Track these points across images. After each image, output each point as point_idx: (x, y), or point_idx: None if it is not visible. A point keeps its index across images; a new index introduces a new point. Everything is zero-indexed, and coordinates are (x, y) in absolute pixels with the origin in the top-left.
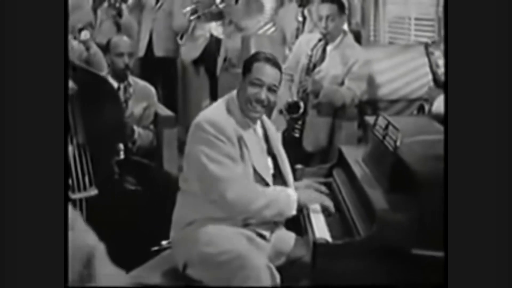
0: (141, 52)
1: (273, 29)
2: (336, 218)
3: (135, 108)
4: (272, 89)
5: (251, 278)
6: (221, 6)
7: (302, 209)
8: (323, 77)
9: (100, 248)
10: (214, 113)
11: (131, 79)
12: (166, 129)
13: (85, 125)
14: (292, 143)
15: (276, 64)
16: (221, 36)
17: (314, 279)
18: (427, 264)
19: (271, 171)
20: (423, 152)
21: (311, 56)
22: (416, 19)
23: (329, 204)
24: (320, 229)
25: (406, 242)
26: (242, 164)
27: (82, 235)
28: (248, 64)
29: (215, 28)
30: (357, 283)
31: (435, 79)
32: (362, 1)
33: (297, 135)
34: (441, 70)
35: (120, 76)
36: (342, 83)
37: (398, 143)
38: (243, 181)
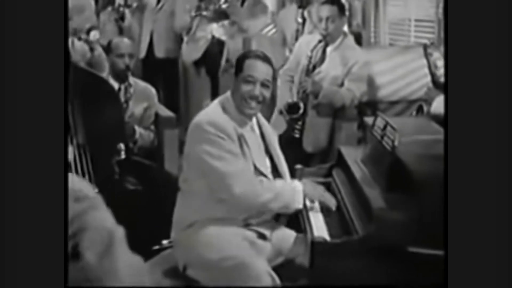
0: (142, 54)
1: (273, 30)
2: (335, 217)
3: (135, 108)
4: (265, 85)
5: (252, 283)
6: (224, 6)
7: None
8: (323, 78)
9: (119, 232)
10: (211, 113)
11: (132, 80)
12: (166, 130)
13: (85, 126)
14: (292, 144)
15: (267, 60)
16: (222, 38)
17: (312, 278)
18: (424, 262)
19: (269, 170)
20: (421, 152)
21: (311, 57)
22: (416, 20)
23: (332, 201)
24: (319, 228)
25: (403, 240)
26: (244, 160)
27: (102, 217)
28: (240, 62)
29: (216, 30)
30: (355, 282)
31: (434, 80)
32: (362, 3)
33: (297, 135)
34: (439, 71)
35: (121, 77)
36: (342, 84)
37: (396, 143)
38: (248, 176)
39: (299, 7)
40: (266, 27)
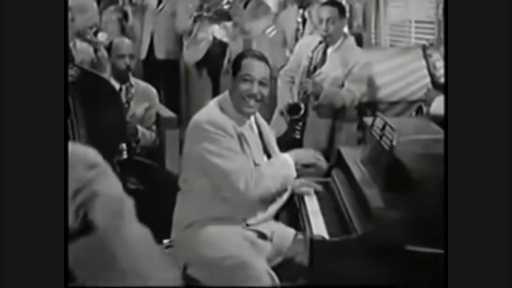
0: (143, 55)
1: (275, 31)
2: (334, 216)
3: (137, 109)
4: (263, 83)
5: (251, 282)
6: (226, 7)
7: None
8: (324, 79)
9: (129, 202)
10: (210, 112)
11: (133, 80)
12: (168, 130)
13: (87, 126)
14: (292, 145)
15: (263, 59)
16: (224, 39)
17: (311, 276)
18: (422, 260)
19: None
20: (419, 152)
21: (311, 59)
22: (417, 21)
23: (323, 164)
24: (318, 227)
25: (401, 239)
26: (244, 155)
27: (112, 183)
28: (237, 62)
29: (217, 31)
30: (353, 280)
31: (433, 81)
32: (363, 4)
33: (297, 136)
34: (439, 72)
35: (122, 77)
36: (342, 85)
37: (394, 143)
38: (249, 169)
39: (299, 7)
40: (267, 28)
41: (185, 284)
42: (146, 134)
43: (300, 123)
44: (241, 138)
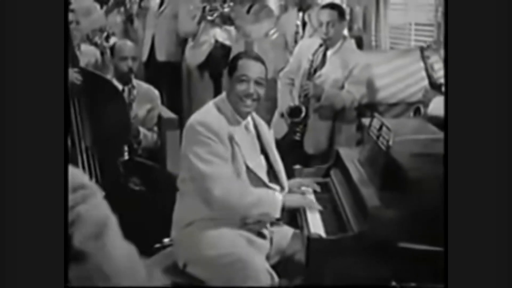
0: (144, 57)
1: (276, 34)
2: (332, 215)
3: (139, 110)
4: (259, 83)
5: (250, 280)
6: (227, 10)
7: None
8: (324, 81)
9: (112, 219)
10: (205, 114)
11: (135, 82)
12: (169, 131)
13: (92, 127)
14: (293, 146)
15: (258, 59)
16: (226, 42)
17: (308, 273)
18: (416, 257)
19: (265, 169)
20: (415, 151)
21: (312, 61)
22: (416, 24)
23: (313, 205)
24: (316, 225)
25: (396, 237)
26: (233, 164)
27: (97, 206)
28: (233, 63)
29: (219, 34)
30: (349, 277)
31: (431, 82)
32: (364, 7)
33: (298, 138)
34: (436, 73)
35: (124, 79)
36: (342, 87)
37: (390, 143)
38: (231, 179)
39: (299, 10)
40: (270, 31)
41: (185, 282)
42: (147, 136)
43: (301, 125)
44: (231, 140)
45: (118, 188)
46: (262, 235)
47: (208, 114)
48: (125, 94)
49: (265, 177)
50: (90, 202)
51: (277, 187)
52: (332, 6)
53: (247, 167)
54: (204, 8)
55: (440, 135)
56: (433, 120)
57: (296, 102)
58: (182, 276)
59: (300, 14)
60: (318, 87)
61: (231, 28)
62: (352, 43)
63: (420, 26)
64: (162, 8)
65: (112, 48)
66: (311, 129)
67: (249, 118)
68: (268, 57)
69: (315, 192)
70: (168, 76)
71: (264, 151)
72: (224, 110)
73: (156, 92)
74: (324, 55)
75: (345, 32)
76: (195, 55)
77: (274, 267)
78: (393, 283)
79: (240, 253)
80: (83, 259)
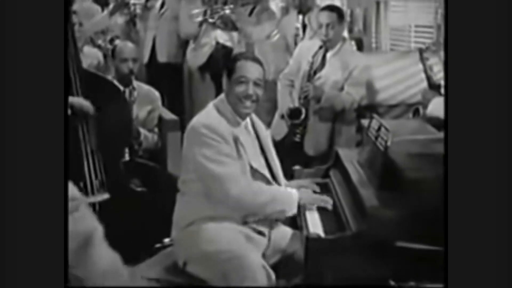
0: (145, 59)
1: (277, 36)
2: (331, 215)
3: (139, 111)
4: (257, 84)
5: (247, 277)
6: (228, 12)
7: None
8: (324, 83)
9: (99, 230)
10: (207, 116)
11: (136, 83)
12: (170, 132)
13: (96, 129)
14: (293, 148)
15: (256, 60)
16: (227, 43)
17: (306, 273)
18: (414, 256)
19: (266, 168)
20: (413, 152)
21: (312, 63)
22: (416, 26)
23: (328, 202)
24: (314, 225)
25: (394, 236)
26: (240, 162)
27: (84, 218)
28: (231, 65)
29: (221, 36)
30: (347, 276)
31: (429, 83)
32: (364, 9)
33: (298, 139)
34: (435, 74)
35: (125, 80)
36: (342, 89)
37: (388, 143)
38: (245, 178)
39: (299, 12)
40: (271, 33)
41: (185, 281)
42: (148, 137)
43: (301, 127)
44: (237, 142)
45: (119, 189)
46: (260, 233)
47: (209, 116)
48: (126, 96)
49: (268, 175)
50: (77, 215)
51: (281, 186)
52: (331, 8)
53: (251, 168)
54: (205, 10)
55: (438, 135)
56: (432, 121)
57: (296, 104)
58: (182, 275)
59: (300, 16)
60: (318, 89)
61: (232, 30)
62: (351, 44)
63: (420, 28)
64: (163, 10)
65: (113, 50)
66: (311, 130)
67: (247, 119)
68: (269, 59)
69: (314, 192)
70: (169, 78)
71: (262, 151)
72: (224, 111)
73: (157, 94)
74: (324, 57)
75: (345, 33)
76: (196, 57)
77: (273, 267)
78: (391, 282)
79: (237, 250)
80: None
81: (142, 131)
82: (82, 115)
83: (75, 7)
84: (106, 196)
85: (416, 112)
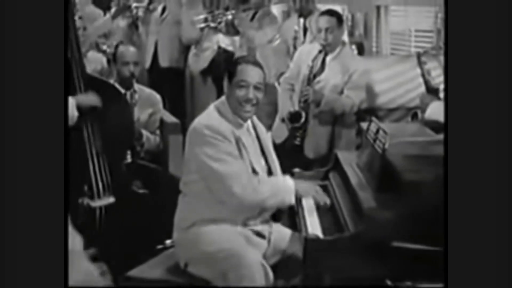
0: (147, 63)
1: (279, 40)
2: (330, 217)
3: (141, 114)
4: (257, 88)
5: (245, 275)
6: (230, 17)
7: (298, 200)
8: (323, 87)
9: (78, 241)
10: (208, 117)
11: (137, 86)
12: (171, 135)
13: (100, 132)
14: (294, 151)
15: (257, 64)
16: (229, 48)
17: (305, 273)
18: (412, 257)
19: (265, 170)
20: (410, 154)
21: (311, 67)
22: (416, 30)
23: (323, 198)
24: (313, 226)
25: (391, 237)
26: (242, 160)
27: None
28: (232, 69)
29: (222, 40)
30: (345, 276)
31: (427, 87)
32: (365, 14)
33: (298, 143)
34: (433, 79)
35: (126, 84)
36: (341, 92)
37: (386, 146)
38: (246, 175)
39: (299, 16)
40: (273, 38)
41: (188, 283)
42: (150, 138)
43: (301, 130)
44: (239, 142)
45: (121, 191)
46: (260, 235)
47: (211, 116)
48: (128, 99)
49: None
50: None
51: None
52: (330, 12)
53: (252, 169)
54: (207, 16)
55: (435, 137)
56: (430, 124)
57: (296, 107)
58: (184, 276)
59: (301, 20)
60: (318, 93)
61: (234, 35)
62: (351, 49)
63: (420, 33)
64: (165, 15)
65: (114, 54)
66: (311, 134)
67: (249, 121)
68: (270, 62)
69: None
70: (171, 82)
71: (262, 153)
72: (225, 113)
73: (158, 97)
74: (324, 61)
75: (345, 38)
76: (198, 61)
77: (273, 267)
78: (388, 282)
79: (236, 249)
80: None
81: (144, 132)
82: (90, 110)
83: (80, 12)
84: (111, 200)
85: (414, 116)
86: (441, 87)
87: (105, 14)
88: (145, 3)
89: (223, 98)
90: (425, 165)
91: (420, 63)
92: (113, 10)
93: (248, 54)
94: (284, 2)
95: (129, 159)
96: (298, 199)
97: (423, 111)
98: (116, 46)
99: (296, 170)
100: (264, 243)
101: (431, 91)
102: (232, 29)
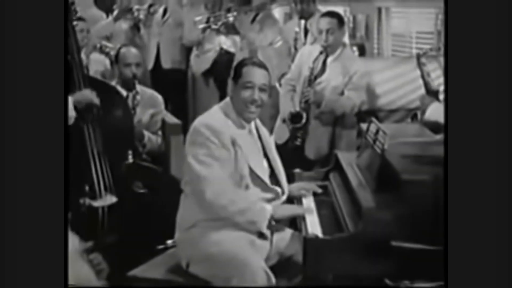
0: (150, 65)
1: (280, 42)
2: (330, 217)
3: (143, 115)
4: (262, 89)
5: (248, 281)
6: (232, 19)
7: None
8: (324, 88)
9: (74, 244)
10: (211, 117)
11: (139, 87)
12: (173, 136)
13: (102, 133)
14: (295, 151)
15: (262, 66)
16: (231, 49)
17: (305, 273)
18: (409, 256)
19: (268, 172)
20: (409, 154)
21: (312, 69)
22: (418, 32)
23: (301, 212)
24: (313, 226)
25: (390, 237)
26: (235, 166)
27: None
28: (238, 70)
29: (224, 42)
30: (345, 275)
31: (427, 89)
32: (366, 16)
33: (299, 143)
34: (433, 80)
35: (128, 85)
36: (342, 93)
37: (385, 146)
38: (224, 184)
39: (300, 18)
40: (274, 40)
41: (187, 282)
42: (152, 139)
43: (302, 131)
44: (236, 146)
45: (122, 191)
46: (263, 236)
47: (213, 117)
48: (130, 100)
49: (267, 180)
50: None
51: (278, 189)
52: (331, 14)
53: (251, 170)
54: (209, 17)
55: (434, 138)
56: (430, 125)
57: (297, 108)
58: (185, 276)
59: (302, 21)
60: (318, 94)
61: (235, 36)
62: (352, 50)
63: (421, 34)
64: (166, 17)
65: (116, 55)
66: (312, 134)
67: (252, 123)
68: (272, 64)
69: (315, 194)
70: (173, 84)
71: (265, 154)
72: (229, 113)
73: (160, 98)
74: (324, 62)
75: (346, 39)
76: (200, 63)
77: (273, 267)
78: (387, 281)
79: (239, 252)
80: None
81: (146, 133)
82: (89, 109)
83: (84, 14)
84: (114, 199)
85: (414, 117)
86: (441, 88)
87: (107, 16)
88: (146, 6)
89: (227, 99)
90: (424, 165)
91: (420, 65)
92: (115, 12)
93: (250, 56)
94: (285, 4)
95: (130, 159)
96: (299, 200)
97: (423, 112)
98: (119, 48)
99: (297, 170)
100: (267, 244)
101: (431, 92)
102: (232, 30)
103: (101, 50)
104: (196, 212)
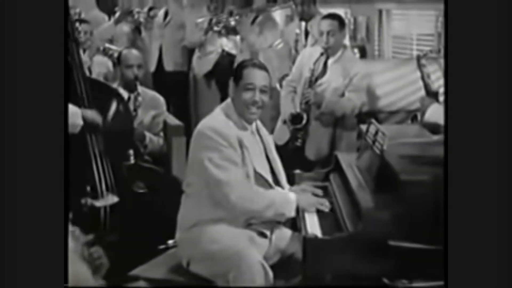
0: (152, 67)
1: (281, 44)
2: (330, 217)
3: (144, 116)
4: (263, 91)
5: (245, 275)
6: (232, 23)
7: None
8: (325, 89)
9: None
10: (214, 120)
11: (140, 89)
12: (175, 137)
13: (104, 133)
14: (295, 152)
15: (263, 67)
16: (232, 51)
17: (305, 273)
18: (408, 256)
19: (269, 172)
20: (408, 154)
21: (313, 70)
22: (418, 34)
23: (325, 204)
24: (313, 227)
25: (388, 237)
26: (244, 167)
27: None
28: (238, 71)
29: (226, 44)
30: (344, 275)
31: (427, 90)
32: (367, 18)
33: (299, 144)
34: (433, 82)
35: (130, 86)
36: (342, 95)
37: (384, 147)
38: (245, 184)
39: (301, 20)
40: (274, 42)
41: (188, 281)
42: (153, 140)
43: (302, 132)
44: (242, 146)
45: (124, 192)
46: (263, 234)
47: (216, 119)
48: (131, 101)
49: (271, 179)
50: None
51: (280, 190)
52: (332, 16)
53: (255, 171)
54: (210, 20)
55: (433, 138)
56: (429, 126)
57: (298, 109)
58: (186, 276)
59: (303, 23)
60: (319, 95)
61: (237, 38)
62: (353, 52)
63: (422, 36)
64: (167, 19)
65: (118, 57)
66: (312, 135)
67: (253, 124)
68: (272, 65)
69: (315, 196)
70: (175, 86)
71: (266, 155)
72: (231, 115)
73: (161, 99)
74: (325, 63)
75: (346, 41)
76: (202, 65)
77: (273, 267)
78: (385, 281)
79: (238, 248)
80: None
81: (148, 134)
82: (92, 127)
83: (86, 16)
84: (115, 199)
85: (414, 118)
86: (441, 90)
87: (109, 18)
88: (146, 9)
89: (228, 100)
90: (423, 165)
91: (420, 66)
92: (117, 15)
93: (252, 58)
94: (286, 6)
95: (132, 160)
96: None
97: (423, 113)
98: (121, 50)
99: (297, 171)
100: (266, 242)
101: (431, 94)
102: (233, 32)
103: (105, 52)
104: (198, 212)
